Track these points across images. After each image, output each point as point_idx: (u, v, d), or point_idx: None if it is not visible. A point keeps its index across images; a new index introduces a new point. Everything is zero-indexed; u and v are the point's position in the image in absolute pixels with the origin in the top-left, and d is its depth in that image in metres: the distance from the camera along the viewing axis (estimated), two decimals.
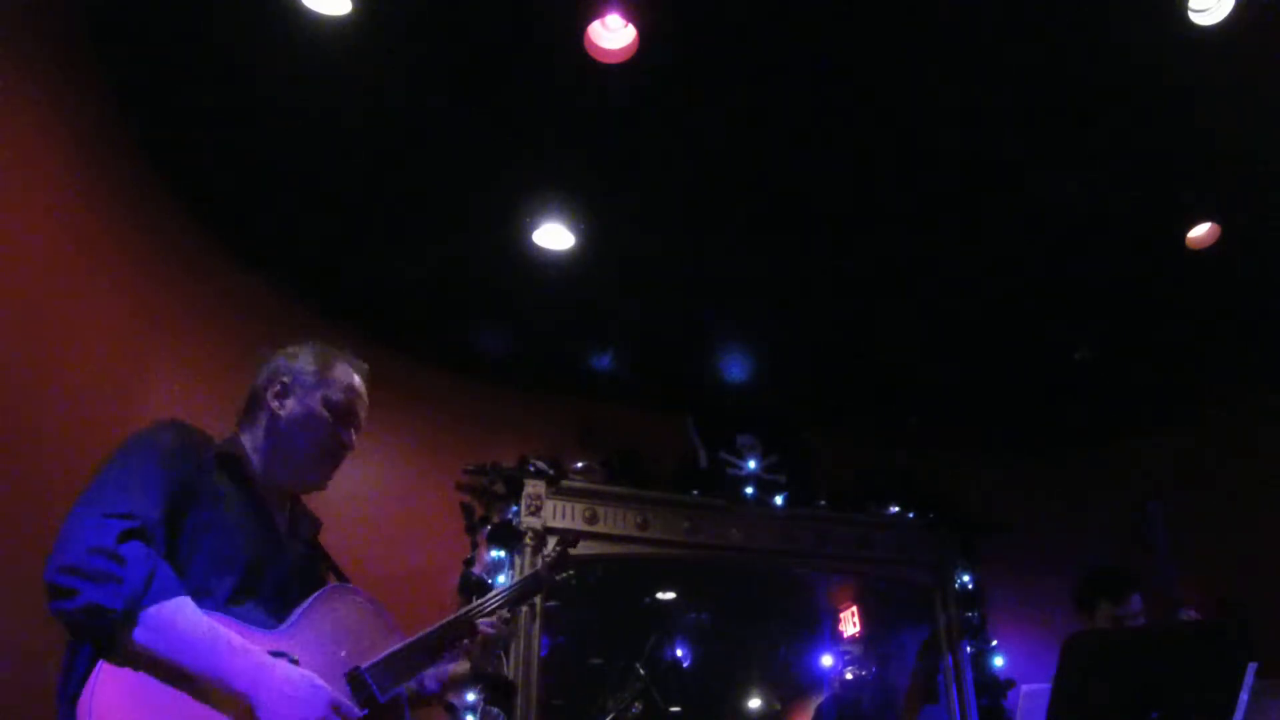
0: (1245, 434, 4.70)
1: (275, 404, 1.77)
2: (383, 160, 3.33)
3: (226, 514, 1.62)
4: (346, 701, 1.52)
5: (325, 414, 1.77)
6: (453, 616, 1.83)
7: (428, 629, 1.76)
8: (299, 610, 1.63)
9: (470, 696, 3.87)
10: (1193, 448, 4.89)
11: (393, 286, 4.06)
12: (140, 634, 1.37)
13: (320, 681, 1.49)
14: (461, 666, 1.86)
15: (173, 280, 3.39)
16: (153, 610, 1.38)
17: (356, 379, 1.86)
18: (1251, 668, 2.01)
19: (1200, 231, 3.71)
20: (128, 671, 1.36)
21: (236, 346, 3.70)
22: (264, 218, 3.64)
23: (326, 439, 1.78)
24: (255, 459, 1.75)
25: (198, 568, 1.55)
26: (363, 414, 1.86)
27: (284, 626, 1.60)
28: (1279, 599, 3.84)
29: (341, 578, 1.89)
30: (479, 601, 1.93)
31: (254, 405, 1.80)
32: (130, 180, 3.16)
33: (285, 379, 1.79)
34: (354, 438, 1.83)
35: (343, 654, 1.63)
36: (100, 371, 2.95)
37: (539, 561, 1.93)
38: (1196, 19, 2.78)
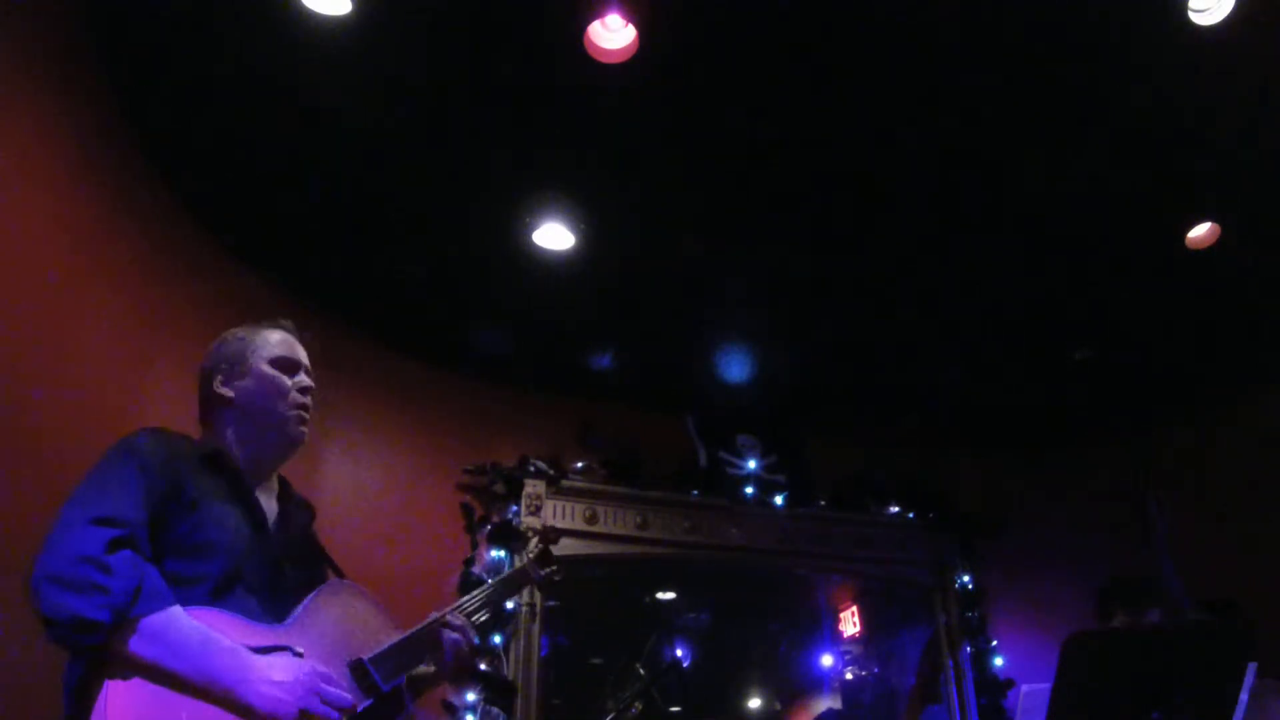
0: (1245, 433, 4.70)
1: (225, 390, 1.81)
2: (383, 160, 3.33)
3: (209, 510, 1.65)
4: (331, 689, 1.55)
5: (272, 371, 1.83)
6: (444, 611, 1.86)
7: (423, 621, 1.80)
8: (301, 606, 1.67)
9: (470, 696, 3.87)
10: (1192, 447, 4.89)
11: (392, 286, 4.06)
12: (135, 643, 1.39)
13: (309, 671, 1.52)
14: (428, 669, 1.86)
15: (173, 279, 3.39)
16: (145, 620, 1.40)
17: (281, 333, 1.91)
18: (1251, 668, 2.01)
19: (1200, 231, 3.71)
20: (135, 683, 1.38)
21: None
22: (264, 217, 3.64)
23: (286, 393, 1.83)
24: (234, 450, 1.79)
25: (183, 562, 1.57)
26: (304, 359, 1.91)
27: (288, 621, 1.63)
28: (1279, 599, 3.84)
29: (336, 570, 1.92)
30: (467, 597, 1.97)
31: (208, 404, 1.84)
32: (130, 180, 3.16)
33: (224, 365, 1.84)
34: (308, 381, 1.88)
35: (347, 646, 1.68)
36: (100, 371, 2.95)
37: (525, 558, 1.97)
38: (1196, 19, 2.78)
